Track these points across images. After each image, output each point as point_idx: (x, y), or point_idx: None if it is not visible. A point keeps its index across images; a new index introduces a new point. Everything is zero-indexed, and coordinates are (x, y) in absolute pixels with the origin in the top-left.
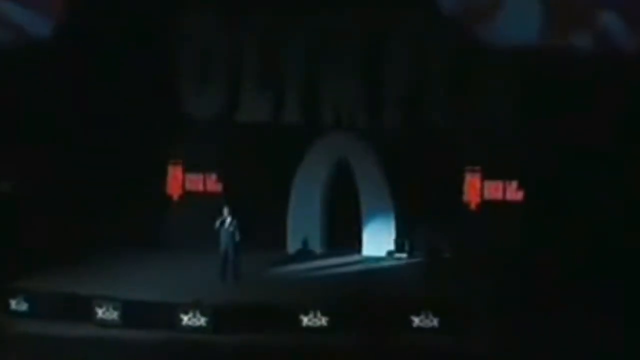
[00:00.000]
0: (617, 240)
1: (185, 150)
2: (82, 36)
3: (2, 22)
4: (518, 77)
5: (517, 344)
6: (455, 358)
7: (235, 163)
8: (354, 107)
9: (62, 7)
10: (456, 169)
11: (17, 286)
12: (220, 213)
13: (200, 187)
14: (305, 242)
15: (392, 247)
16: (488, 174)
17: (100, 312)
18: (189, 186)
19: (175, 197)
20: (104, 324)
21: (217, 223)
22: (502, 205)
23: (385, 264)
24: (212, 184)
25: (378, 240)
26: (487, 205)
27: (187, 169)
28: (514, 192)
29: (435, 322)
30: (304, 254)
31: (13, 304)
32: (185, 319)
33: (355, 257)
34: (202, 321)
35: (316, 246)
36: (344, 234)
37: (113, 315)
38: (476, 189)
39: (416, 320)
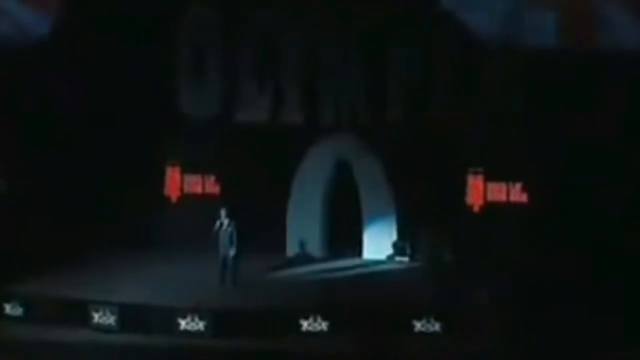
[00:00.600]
0: (624, 242)
1: (183, 151)
2: (77, 35)
3: None
4: (522, 77)
5: (520, 349)
6: None
7: (234, 164)
8: (355, 107)
9: (58, 6)
10: (459, 170)
11: (12, 290)
12: (219, 215)
13: (199, 189)
14: (305, 245)
15: (393, 250)
16: (491, 176)
17: (96, 317)
18: (187, 188)
19: (174, 199)
20: (100, 328)
21: (216, 225)
22: (506, 207)
23: (387, 267)
24: (210, 185)
25: (379, 243)
26: (490, 207)
27: (185, 171)
28: (518, 194)
29: (437, 326)
30: (304, 257)
31: (7, 308)
32: (183, 323)
33: (356, 261)
34: (200, 326)
35: (316, 249)
36: (345, 236)
37: (110, 319)
38: (479, 190)
39: (418, 325)
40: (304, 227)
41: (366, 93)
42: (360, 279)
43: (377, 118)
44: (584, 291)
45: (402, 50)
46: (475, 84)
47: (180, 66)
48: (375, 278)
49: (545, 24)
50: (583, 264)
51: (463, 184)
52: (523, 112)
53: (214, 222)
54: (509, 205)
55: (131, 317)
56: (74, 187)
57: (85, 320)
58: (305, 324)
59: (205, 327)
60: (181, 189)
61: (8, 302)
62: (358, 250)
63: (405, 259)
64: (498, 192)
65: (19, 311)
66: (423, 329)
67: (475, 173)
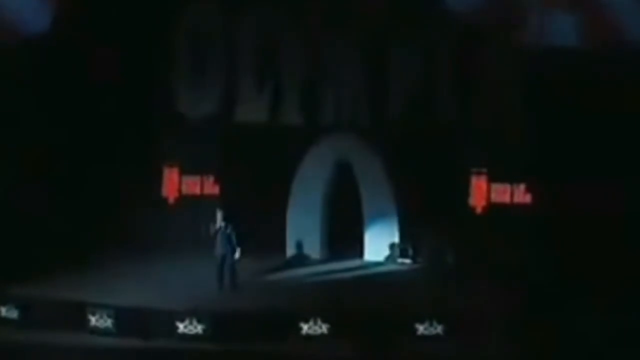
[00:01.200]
0: (628, 244)
1: (181, 152)
2: (74, 34)
3: None
4: (526, 76)
5: (524, 352)
6: None
7: (233, 165)
8: (356, 106)
9: (56, 6)
10: (462, 171)
11: (7, 293)
12: (216, 218)
13: (198, 190)
14: (304, 247)
15: (395, 252)
16: (495, 177)
17: (93, 320)
18: (185, 189)
19: (172, 200)
20: (97, 332)
21: (214, 227)
22: (510, 208)
23: (388, 269)
24: (209, 186)
25: (380, 245)
26: (494, 208)
27: (183, 172)
28: (521, 195)
29: (439, 329)
30: (304, 259)
31: (3, 311)
32: (181, 326)
33: (357, 263)
34: (198, 329)
35: (316, 251)
36: (345, 238)
37: (107, 322)
38: (483, 192)
39: (420, 328)
40: (303, 228)
41: (367, 93)
42: (361, 281)
43: (378, 118)
44: (588, 293)
45: (403, 49)
46: (478, 83)
47: (178, 65)
48: (377, 280)
49: (552, 23)
50: (587, 266)
51: (466, 185)
52: (527, 112)
53: (213, 224)
54: (512, 207)
55: (128, 320)
56: (70, 188)
57: (82, 323)
58: (305, 327)
59: (204, 330)
60: (179, 190)
61: (4, 304)
62: (359, 252)
63: (407, 260)
64: (502, 193)
65: (14, 314)
66: (425, 332)
67: (479, 174)
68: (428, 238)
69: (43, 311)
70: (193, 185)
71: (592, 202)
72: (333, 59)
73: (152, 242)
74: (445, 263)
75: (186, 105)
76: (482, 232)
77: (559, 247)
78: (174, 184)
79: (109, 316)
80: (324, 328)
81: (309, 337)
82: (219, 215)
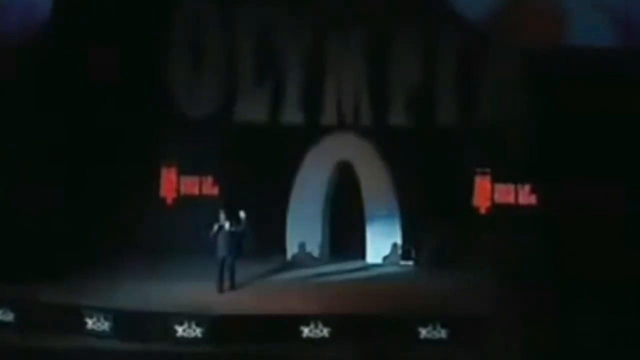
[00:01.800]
0: (634, 245)
1: (179, 151)
2: (70, 33)
3: None
4: (530, 76)
5: (528, 356)
6: None
7: (233, 165)
8: (357, 106)
9: (52, 4)
10: (465, 171)
11: (3, 295)
12: (217, 218)
13: (196, 191)
14: (305, 249)
15: (397, 253)
16: (499, 177)
17: (90, 323)
18: (183, 190)
19: (170, 201)
20: (94, 335)
21: (215, 228)
22: (514, 209)
23: (391, 271)
24: (208, 186)
25: (382, 247)
26: (498, 209)
27: (181, 172)
28: (526, 196)
29: (443, 333)
30: (305, 260)
31: None
32: (179, 330)
33: (359, 265)
34: (197, 332)
35: (317, 253)
36: (347, 240)
37: (104, 326)
38: (486, 192)
39: (423, 332)
40: (305, 229)
41: (369, 92)
42: (363, 283)
43: (380, 118)
44: (593, 295)
45: (405, 48)
46: (483, 82)
47: (176, 63)
48: (379, 282)
49: (553, 22)
50: (592, 268)
51: (470, 186)
52: (531, 111)
53: (211, 225)
54: (517, 208)
55: (126, 323)
56: (66, 190)
57: (79, 327)
58: (306, 331)
59: (203, 333)
60: (177, 191)
61: None
62: (361, 254)
63: (410, 262)
64: (506, 194)
65: (9, 317)
66: (429, 336)
67: (483, 174)
68: (431, 240)
69: (39, 314)
70: (192, 185)
71: (597, 203)
72: (334, 58)
73: (149, 244)
74: (448, 265)
75: (184, 103)
76: (486, 233)
77: (564, 248)
78: (172, 184)
79: (105, 319)
80: (325, 331)
81: (309, 341)
82: (222, 215)
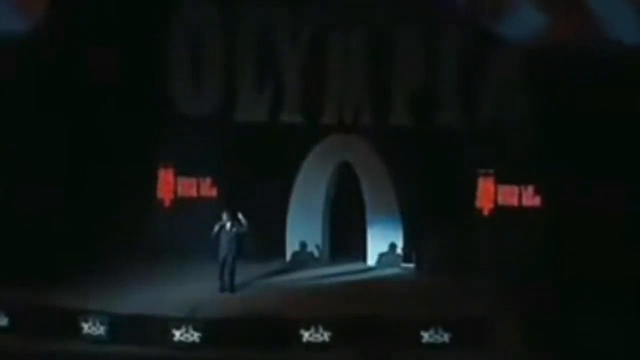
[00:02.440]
0: (638, 246)
1: (177, 152)
2: (68, 32)
3: None
4: (533, 75)
5: (529, 357)
6: None
7: (231, 166)
8: (358, 107)
9: (50, 4)
10: (468, 172)
11: None
12: (219, 218)
13: (194, 192)
14: (306, 251)
15: (398, 256)
16: (502, 178)
17: (86, 327)
18: (181, 191)
19: (167, 202)
20: (90, 339)
21: (216, 228)
22: (518, 211)
23: (392, 274)
24: (206, 188)
25: (383, 249)
26: (501, 211)
27: (179, 173)
28: (530, 198)
29: (446, 337)
30: (305, 263)
31: None
32: (177, 334)
33: (360, 267)
34: (195, 337)
35: (318, 255)
36: (348, 242)
37: (100, 330)
38: (489, 194)
39: (425, 336)
40: (305, 232)
41: (369, 92)
42: (364, 286)
43: (381, 118)
44: (598, 297)
45: (407, 47)
46: (485, 82)
47: (175, 64)
48: (380, 286)
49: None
50: (594, 268)
51: (472, 187)
52: (535, 111)
53: (210, 227)
54: (520, 209)
55: (122, 327)
56: (63, 192)
57: (74, 331)
58: (306, 335)
59: (201, 338)
60: (175, 193)
61: None
62: (362, 257)
63: (412, 265)
64: (509, 195)
65: (4, 321)
66: (431, 340)
67: (486, 175)
68: (433, 242)
69: (34, 318)
70: (189, 187)
71: (602, 204)
72: (334, 58)
73: (146, 246)
74: (450, 267)
75: (182, 103)
76: (489, 236)
77: (566, 249)
78: (170, 185)
79: (102, 323)
80: (325, 335)
81: (310, 345)
82: (225, 216)
